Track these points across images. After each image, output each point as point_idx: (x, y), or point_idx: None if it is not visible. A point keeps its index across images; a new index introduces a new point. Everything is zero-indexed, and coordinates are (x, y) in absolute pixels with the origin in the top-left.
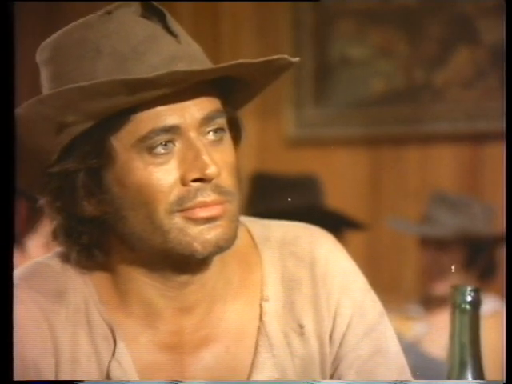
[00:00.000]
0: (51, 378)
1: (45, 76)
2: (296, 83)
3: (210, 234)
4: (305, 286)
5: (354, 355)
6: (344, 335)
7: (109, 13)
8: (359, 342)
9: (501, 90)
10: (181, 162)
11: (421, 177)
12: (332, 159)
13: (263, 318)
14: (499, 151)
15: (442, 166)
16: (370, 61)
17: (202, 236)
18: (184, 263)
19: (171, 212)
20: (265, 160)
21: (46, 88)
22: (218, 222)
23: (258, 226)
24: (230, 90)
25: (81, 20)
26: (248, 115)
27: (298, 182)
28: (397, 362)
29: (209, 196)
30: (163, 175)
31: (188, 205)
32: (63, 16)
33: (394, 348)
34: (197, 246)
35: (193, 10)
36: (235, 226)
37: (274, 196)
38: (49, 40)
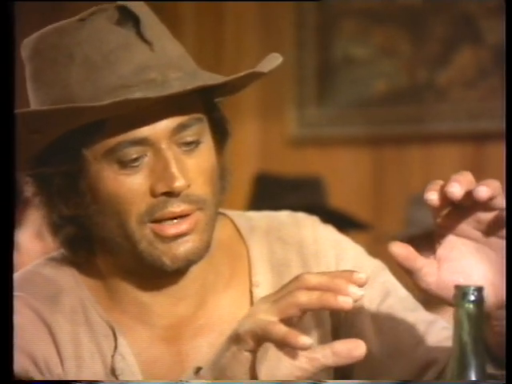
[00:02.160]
0: (62, 374)
1: (27, 72)
2: (299, 83)
3: (178, 249)
4: (295, 268)
5: (364, 308)
6: None
7: (82, 20)
8: (365, 294)
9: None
10: (150, 172)
11: (423, 176)
12: (334, 159)
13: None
14: (502, 151)
15: (445, 165)
16: (372, 61)
17: (170, 251)
18: (160, 271)
19: (142, 222)
20: (267, 160)
21: (28, 84)
22: (187, 237)
23: (242, 218)
24: (211, 88)
25: (57, 24)
26: (250, 115)
27: (302, 182)
28: (409, 298)
29: (178, 206)
30: (133, 186)
31: (158, 215)
32: (65, 16)
33: (402, 289)
34: (166, 260)
35: (196, 10)
36: (207, 235)
37: (277, 197)
38: (30, 38)
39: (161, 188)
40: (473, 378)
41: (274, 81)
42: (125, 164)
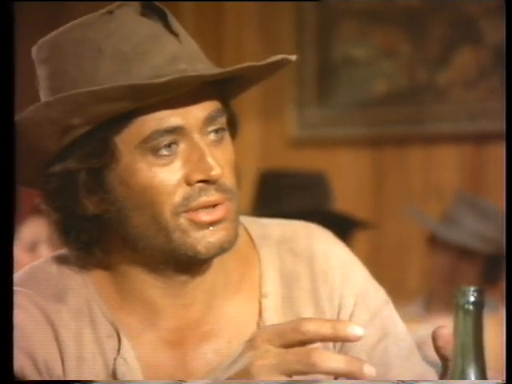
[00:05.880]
0: (61, 376)
1: (42, 74)
2: (299, 84)
3: (213, 236)
4: (304, 282)
5: (360, 342)
6: None
7: (110, 12)
8: (364, 328)
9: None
10: (185, 162)
11: (424, 177)
12: (335, 159)
13: (262, 314)
14: (502, 151)
15: (445, 166)
16: (372, 61)
17: (205, 239)
18: (187, 263)
19: (177, 213)
20: (268, 160)
21: (43, 87)
22: (221, 225)
23: (255, 225)
24: (226, 86)
25: (81, 19)
26: (251, 116)
27: (308, 180)
28: (406, 342)
29: (212, 195)
30: (167, 176)
31: (193, 204)
32: (66, 16)
33: (402, 330)
34: (200, 248)
35: (196, 9)
36: (237, 225)
37: (282, 196)
38: (47, 38)
39: (197, 176)
40: (473, 378)
41: (274, 81)
42: (159, 152)
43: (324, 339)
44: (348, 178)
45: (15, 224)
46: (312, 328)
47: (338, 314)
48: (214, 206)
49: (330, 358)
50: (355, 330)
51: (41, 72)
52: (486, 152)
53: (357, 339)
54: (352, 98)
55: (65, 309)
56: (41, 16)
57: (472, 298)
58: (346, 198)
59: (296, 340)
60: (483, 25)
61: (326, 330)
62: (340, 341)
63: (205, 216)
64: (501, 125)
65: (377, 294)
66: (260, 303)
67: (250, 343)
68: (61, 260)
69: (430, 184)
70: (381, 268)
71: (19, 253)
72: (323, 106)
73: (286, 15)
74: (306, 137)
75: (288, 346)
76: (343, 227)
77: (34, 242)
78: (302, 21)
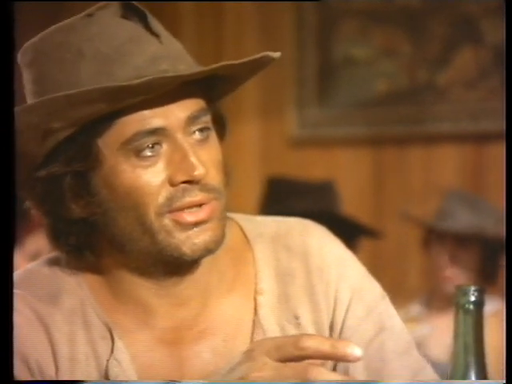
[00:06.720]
0: (54, 376)
1: (27, 78)
2: (299, 83)
3: (198, 238)
4: (299, 278)
5: (357, 337)
6: (344, 320)
7: (90, 15)
8: (360, 323)
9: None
10: (168, 163)
11: (424, 177)
12: (335, 159)
13: (258, 312)
14: (502, 151)
15: (446, 166)
16: (373, 61)
17: (189, 240)
18: (175, 264)
19: (161, 214)
20: (268, 160)
21: (29, 90)
22: (206, 225)
23: (250, 223)
24: (212, 85)
25: (62, 23)
26: (251, 116)
27: (315, 187)
28: (403, 337)
29: (196, 196)
30: (151, 177)
31: (177, 204)
32: (65, 16)
33: (398, 325)
34: (185, 249)
35: (196, 9)
36: (223, 224)
37: (289, 201)
38: (30, 42)
39: (181, 177)
40: (473, 378)
41: (274, 81)
42: (142, 153)
43: (322, 357)
44: (348, 177)
45: (16, 232)
46: (311, 344)
47: (334, 309)
48: (200, 205)
49: (325, 376)
50: (354, 350)
51: (26, 76)
52: (486, 152)
53: (355, 360)
54: (352, 97)
55: (58, 311)
56: (41, 16)
57: (472, 298)
58: (346, 198)
59: (294, 355)
60: (483, 25)
61: (325, 347)
62: (338, 360)
63: (189, 216)
64: (501, 125)
65: (373, 289)
66: (255, 300)
67: (248, 354)
68: (55, 262)
69: (430, 184)
70: (381, 268)
71: (22, 261)
72: (323, 106)
73: (286, 15)
74: (307, 137)
75: (286, 360)
76: (350, 233)
77: (38, 251)
78: (302, 21)
